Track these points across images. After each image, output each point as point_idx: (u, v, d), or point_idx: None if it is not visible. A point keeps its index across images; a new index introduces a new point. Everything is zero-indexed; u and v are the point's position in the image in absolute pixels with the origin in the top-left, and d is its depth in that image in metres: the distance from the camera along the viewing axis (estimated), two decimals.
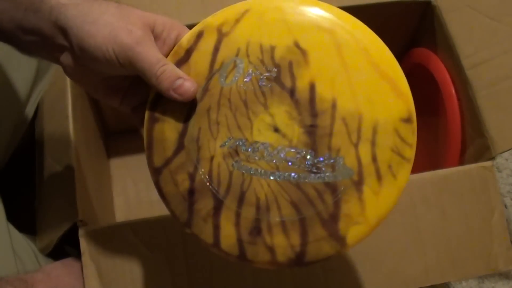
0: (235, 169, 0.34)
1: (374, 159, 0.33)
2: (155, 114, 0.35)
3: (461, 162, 0.57)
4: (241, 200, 0.34)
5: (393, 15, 0.60)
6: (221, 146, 0.34)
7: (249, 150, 0.34)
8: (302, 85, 0.33)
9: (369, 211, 0.33)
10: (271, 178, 0.34)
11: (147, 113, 0.35)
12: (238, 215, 0.34)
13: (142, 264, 0.45)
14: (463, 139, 0.56)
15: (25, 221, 0.51)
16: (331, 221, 0.33)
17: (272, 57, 0.34)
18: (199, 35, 0.35)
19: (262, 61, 0.34)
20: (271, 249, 0.34)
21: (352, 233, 0.33)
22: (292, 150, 0.34)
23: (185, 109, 0.35)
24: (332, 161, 0.33)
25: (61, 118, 0.52)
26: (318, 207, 0.33)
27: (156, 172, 0.35)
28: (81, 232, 0.45)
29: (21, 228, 0.50)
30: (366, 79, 0.33)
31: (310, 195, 0.33)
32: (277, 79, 0.34)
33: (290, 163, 0.33)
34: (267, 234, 0.34)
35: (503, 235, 0.49)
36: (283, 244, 0.34)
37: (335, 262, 0.47)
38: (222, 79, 0.34)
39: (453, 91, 0.56)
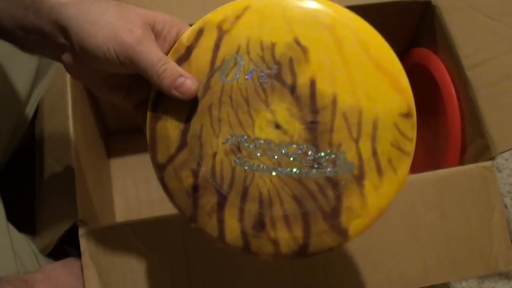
0: (237, 165, 0.34)
1: (374, 153, 0.33)
2: (157, 112, 0.35)
3: (461, 162, 0.57)
4: (244, 195, 0.34)
5: (393, 15, 0.60)
6: (223, 143, 0.34)
7: (251, 146, 0.34)
8: (302, 81, 0.33)
9: (370, 204, 0.34)
10: (273, 173, 0.34)
11: (149, 111, 0.36)
12: (241, 210, 0.34)
13: (142, 264, 0.45)
14: (463, 139, 0.56)
15: (25, 221, 0.51)
16: (333, 214, 0.34)
17: (273, 54, 0.34)
18: (200, 32, 0.35)
19: (262, 58, 0.34)
20: (274, 242, 0.34)
21: (354, 225, 0.34)
22: (294, 146, 0.34)
23: (187, 106, 0.35)
24: (333, 156, 0.33)
25: (61, 118, 0.52)
26: (320, 201, 0.34)
27: (160, 169, 0.36)
28: (81, 232, 0.45)
29: (21, 228, 0.50)
30: (366, 74, 0.33)
31: (312, 190, 0.34)
32: (278, 76, 0.34)
33: (291, 159, 0.34)
34: (270, 228, 0.34)
35: (503, 235, 0.49)
36: (286, 237, 0.34)
37: (335, 262, 0.47)
38: (223, 77, 0.34)
39: (453, 91, 0.56)
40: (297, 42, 0.33)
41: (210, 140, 0.35)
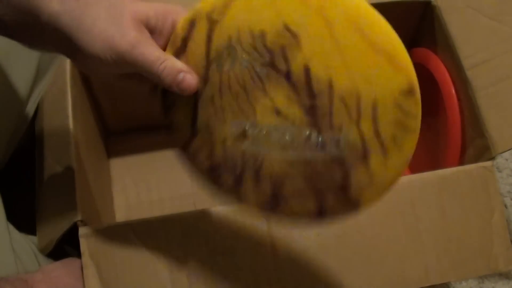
0: (246, 150, 0.36)
1: (377, 134, 0.33)
2: (167, 103, 0.37)
3: (461, 162, 0.57)
4: (256, 178, 0.36)
5: (393, 15, 0.60)
6: (230, 130, 0.36)
7: (256, 132, 0.35)
8: (296, 68, 0.33)
9: (377, 181, 0.34)
10: (281, 157, 0.35)
11: (160, 102, 0.37)
12: (255, 191, 0.36)
13: (142, 264, 0.45)
14: (463, 139, 0.56)
15: (25, 221, 0.51)
16: (343, 191, 0.35)
17: (264, 43, 0.34)
18: (192, 24, 0.35)
19: (255, 47, 0.34)
20: (291, 217, 0.37)
21: (364, 197, 0.35)
22: (297, 130, 0.34)
23: (192, 97, 0.36)
24: (336, 138, 0.34)
25: (61, 118, 0.52)
26: (329, 180, 0.35)
27: (181, 153, 0.38)
28: (81, 232, 0.45)
29: (21, 228, 0.50)
30: (360, 56, 0.33)
31: (319, 171, 0.35)
32: (272, 64, 0.34)
33: (296, 143, 0.35)
34: (285, 206, 0.36)
35: (503, 235, 0.49)
36: (301, 212, 0.36)
37: (335, 262, 0.47)
38: (219, 67, 0.35)
39: (453, 91, 0.56)
40: (287, 29, 0.33)
41: (217, 128, 0.36)
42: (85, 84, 0.60)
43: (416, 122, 0.34)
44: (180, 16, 0.36)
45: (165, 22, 0.35)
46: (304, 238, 0.47)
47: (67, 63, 0.55)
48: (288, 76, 0.34)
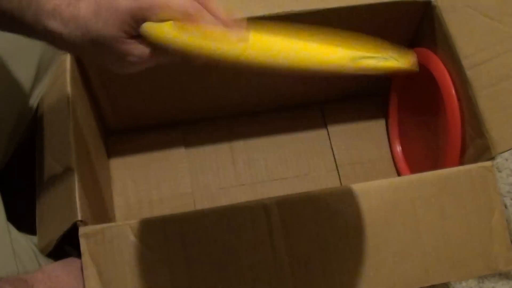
0: None
1: None
2: None
3: (461, 162, 0.57)
4: None
5: (393, 15, 0.60)
6: None
7: None
8: None
9: None
10: None
11: None
12: None
13: (142, 264, 0.45)
14: (463, 139, 0.56)
15: (25, 221, 0.51)
16: None
17: None
18: None
19: None
20: None
21: None
22: None
23: None
24: None
25: (61, 118, 0.52)
26: None
27: None
28: (81, 232, 0.45)
29: (21, 228, 0.50)
30: None
31: None
32: None
33: None
34: None
35: (503, 235, 0.49)
36: None
37: (335, 262, 0.47)
38: None
39: (453, 91, 0.56)
40: None
41: None
42: (85, 84, 0.60)
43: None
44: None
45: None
46: (304, 238, 0.47)
47: (67, 63, 0.55)
48: None
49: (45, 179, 0.52)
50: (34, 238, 0.51)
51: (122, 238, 0.45)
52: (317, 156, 0.74)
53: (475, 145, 0.54)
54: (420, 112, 0.67)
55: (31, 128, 0.56)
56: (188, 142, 0.73)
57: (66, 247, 0.51)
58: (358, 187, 0.48)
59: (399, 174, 0.73)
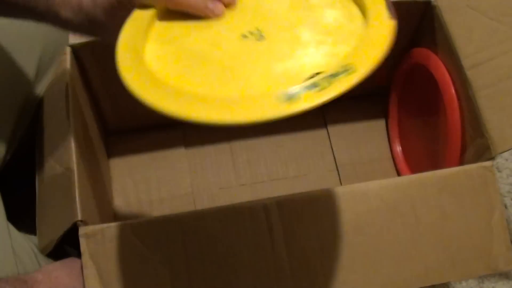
0: None
1: None
2: None
3: (461, 162, 0.57)
4: None
5: None
6: None
7: None
8: None
9: None
10: None
11: None
12: None
13: (142, 264, 0.45)
14: (463, 139, 0.56)
15: (25, 221, 0.51)
16: None
17: None
18: None
19: None
20: None
21: None
22: None
23: None
24: None
25: (61, 118, 0.52)
26: None
27: None
28: (81, 232, 0.45)
29: (21, 228, 0.50)
30: None
31: None
32: None
33: None
34: None
35: (503, 235, 0.49)
36: None
37: (334, 262, 0.47)
38: None
39: (453, 91, 0.56)
40: None
41: None
42: (85, 84, 0.60)
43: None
44: None
45: None
46: (304, 238, 0.47)
47: (67, 63, 0.55)
48: None
49: (45, 179, 0.52)
50: (34, 238, 0.51)
51: (122, 238, 0.45)
52: (317, 156, 0.74)
53: (475, 145, 0.54)
54: (420, 112, 0.67)
55: (32, 128, 0.56)
56: (188, 142, 0.73)
57: (66, 247, 0.51)
58: (358, 187, 0.48)
59: (399, 174, 0.73)
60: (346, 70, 0.30)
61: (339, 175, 0.73)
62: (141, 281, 0.45)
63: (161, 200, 0.70)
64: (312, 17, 0.37)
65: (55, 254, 0.50)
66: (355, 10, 0.38)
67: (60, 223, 0.48)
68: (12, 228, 0.49)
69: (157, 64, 0.36)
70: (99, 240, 0.45)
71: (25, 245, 0.49)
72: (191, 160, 0.72)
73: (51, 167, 0.52)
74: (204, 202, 0.70)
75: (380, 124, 0.76)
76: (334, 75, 0.30)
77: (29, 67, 0.55)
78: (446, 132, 0.58)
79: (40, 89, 0.57)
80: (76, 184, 0.47)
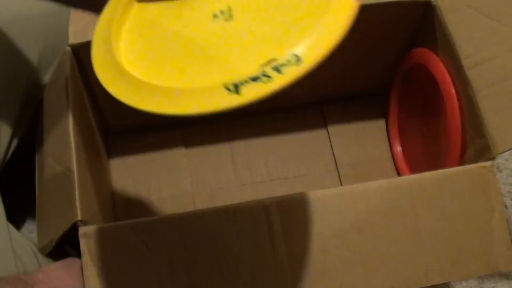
0: None
1: None
2: None
3: (461, 162, 0.57)
4: None
5: (393, 15, 0.60)
6: None
7: None
8: None
9: None
10: None
11: None
12: None
13: (142, 264, 0.45)
14: (463, 139, 0.56)
15: (25, 221, 0.51)
16: None
17: None
18: None
19: None
20: None
21: None
22: None
23: None
24: None
25: (61, 118, 0.52)
26: None
27: None
28: (81, 232, 0.45)
29: (21, 228, 0.50)
30: None
31: None
32: None
33: None
34: None
35: (503, 235, 0.49)
36: None
37: (334, 262, 0.47)
38: None
39: (453, 91, 0.56)
40: None
41: None
42: (85, 84, 0.60)
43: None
44: None
45: None
46: (304, 238, 0.47)
47: (67, 63, 0.55)
48: None
49: (45, 179, 0.52)
50: (34, 238, 0.51)
51: (122, 238, 0.45)
52: (317, 156, 0.74)
53: (475, 145, 0.53)
54: (420, 112, 0.67)
55: (31, 128, 0.56)
56: (188, 142, 0.73)
57: (66, 247, 0.51)
58: (358, 187, 0.48)
59: (399, 174, 0.73)
60: (298, 59, 0.30)
61: (339, 175, 0.73)
62: (141, 281, 0.45)
63: (161, 200, 0.70)
64: None
65: (55, 254, 0.50)
66: None
67: (60, 223, 0.48)
68: (12, 228, 0.49)
69: (128, 50, 0.36)
70: (99, 240, 0.45)
71: (25, 245, 0.49)
72: (191, 160, 0.72)
73: (51, 167, 0.52)
74: (204, 202, 0.70)
75: (380, 124, 0.76)
76: (282, 65, 0.30)
77: (29, 67, 0.55)
78: (446, 132, 0.58)
79: (40, 88, 0.57)
80: (76, 184, 0.47)
